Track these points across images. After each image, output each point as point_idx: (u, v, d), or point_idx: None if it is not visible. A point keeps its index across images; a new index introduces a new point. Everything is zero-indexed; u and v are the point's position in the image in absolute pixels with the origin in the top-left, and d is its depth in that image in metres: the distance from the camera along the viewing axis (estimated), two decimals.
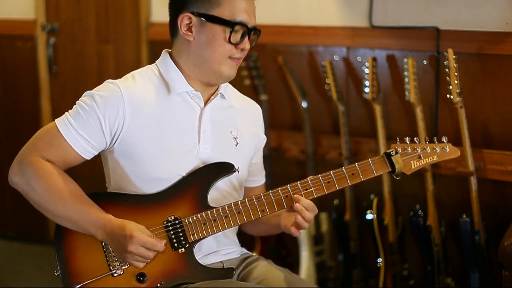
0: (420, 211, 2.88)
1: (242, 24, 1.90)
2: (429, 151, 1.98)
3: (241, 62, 1.97)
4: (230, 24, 1.88)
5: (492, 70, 2.83)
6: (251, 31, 1.93)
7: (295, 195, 1.90)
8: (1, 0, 4.00)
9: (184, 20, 1.92)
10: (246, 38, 1.92)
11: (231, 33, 1.89)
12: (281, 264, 2.09)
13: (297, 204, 1.88)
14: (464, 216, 2.76)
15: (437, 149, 1.99)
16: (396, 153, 1.95)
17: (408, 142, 1.98)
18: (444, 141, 2.00)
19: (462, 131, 2.73)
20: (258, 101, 2.88)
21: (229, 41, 1.89)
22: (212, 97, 1.99)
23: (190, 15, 1.91)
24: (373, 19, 3.03)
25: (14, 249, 4.03)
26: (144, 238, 1.80)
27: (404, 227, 3.04)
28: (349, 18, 3.10)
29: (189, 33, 1.92)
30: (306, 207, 1.89)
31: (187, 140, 1.94)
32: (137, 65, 3.55)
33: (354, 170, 1.93)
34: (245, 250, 2.13)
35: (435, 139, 2.01)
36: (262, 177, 2.20)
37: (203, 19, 1.89)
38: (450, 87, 2.72)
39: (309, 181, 1.92)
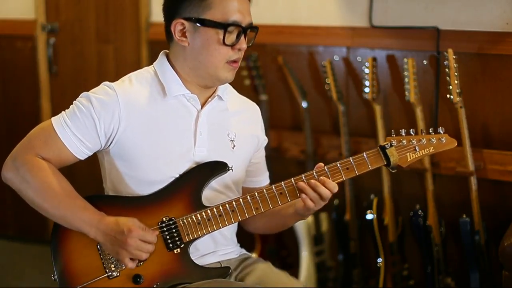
0: (420, 211, 2.88)
1: (235, 24, 1.88)
2: (425, 142, 1.94)
3: (240, 63, 1.95)
4: (223, 26, 1.86)
5: (492, 70, 2.82)
6: (246, 30, 1.91)
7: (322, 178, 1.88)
8: (1, 0, 4.00)
9: (177, 26, 1.91)
10: (242, 38, 1.90)
11: (224, 35, 1.87)
12: (281, 264, 2.09)
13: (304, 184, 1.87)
14: (464, 216, 2.76)
15: (433, 140, 1.94)
16: (391, 145, 1.92)
17: (403, 134, 1.94)
18: (441, 131, 1.96)
19: (462, 131, 2.73)
20: (258, 101, 2.89)
21: (224, 43, 1.87)
22: (210, 99, 1.98)
23: (183, 21, 1.90)
24: (373, 19, 3.02)
25: (14, 249, 4.02)
26: (142, 232, 1.81)
27: (404, 227, 3.04)
28: (349, 18, 3.10)
29: (184, 39, 1.91)
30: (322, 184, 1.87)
31: (183, 142, 1.94)
32: (137, 65, 3.57)
33: (349, 165, 1.91)
34: (244, 251, 2.12)
35: (431, 130, 1.97)
36: (266, 178, 2.18)
37: (196, 24, 1.88)
38: (450, 87, 2.72)
39: (303, 177, 1.90)
